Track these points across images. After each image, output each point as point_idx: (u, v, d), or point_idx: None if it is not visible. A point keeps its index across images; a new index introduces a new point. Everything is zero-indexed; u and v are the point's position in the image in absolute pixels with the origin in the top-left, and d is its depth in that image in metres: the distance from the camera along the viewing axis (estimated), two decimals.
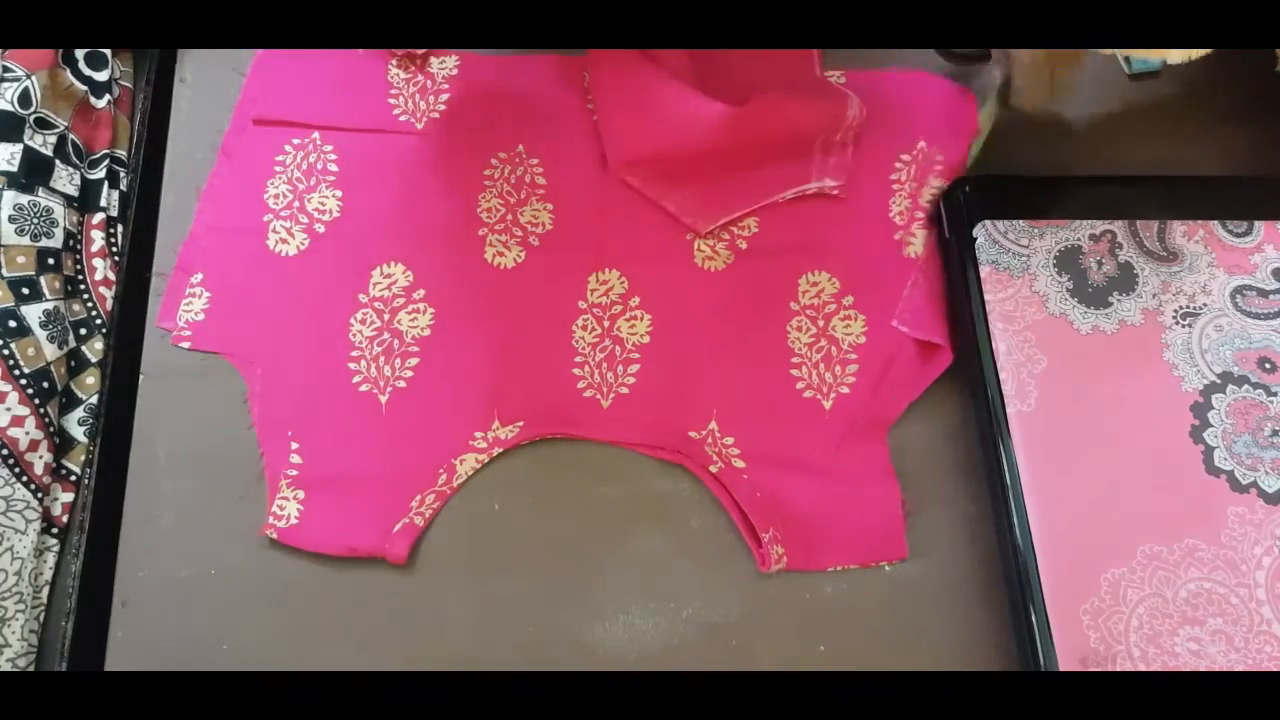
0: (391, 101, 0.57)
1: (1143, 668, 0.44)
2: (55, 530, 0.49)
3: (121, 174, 0.56)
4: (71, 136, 0.53)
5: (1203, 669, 0.44)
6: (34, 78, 0.52)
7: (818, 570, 0.48)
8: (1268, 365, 0.51)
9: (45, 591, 0.47)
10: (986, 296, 0.51)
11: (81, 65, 0.55)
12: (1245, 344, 0.51)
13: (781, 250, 0.54)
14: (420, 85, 0.58)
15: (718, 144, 0.52)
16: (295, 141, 0.56)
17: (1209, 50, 0.38)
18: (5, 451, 0.46)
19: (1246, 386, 0.50)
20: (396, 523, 0.48)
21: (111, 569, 0.48)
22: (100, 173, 0.54)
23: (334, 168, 0.55)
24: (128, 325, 0.52)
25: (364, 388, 0.51)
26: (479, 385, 0.51)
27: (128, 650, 0.46)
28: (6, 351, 0.47)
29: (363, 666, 0.46)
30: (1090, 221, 0.54)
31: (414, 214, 0.54)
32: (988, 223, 0.53)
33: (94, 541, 0.48)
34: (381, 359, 0.51)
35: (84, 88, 0.54)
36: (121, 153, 0.56)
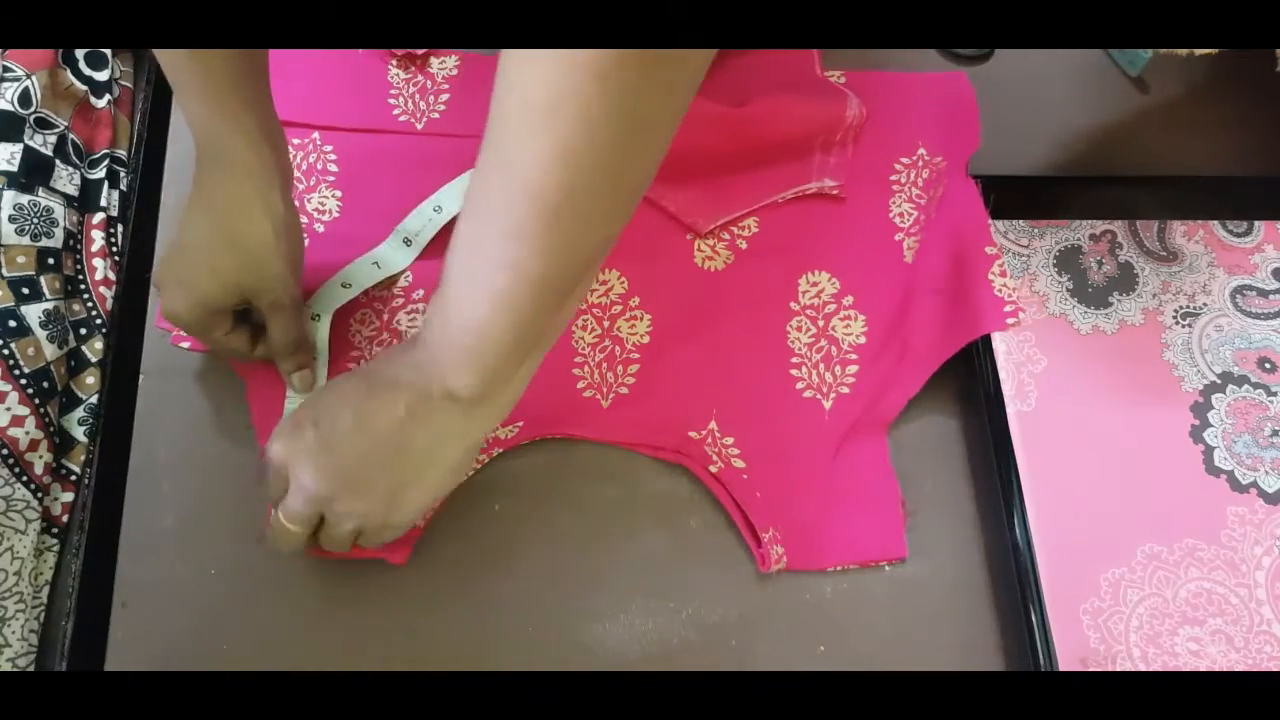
0: (391, 101, 0.57)
1: (1143, 668, 0.44)
2: (55, 530, 0.49)
3: (121, 174, 0.56)
4: (71, 136, 0.53)
5: (1203, 669, 0.44)
6: (34, 78, 0.52)
7: (818, 570, 0.48)
8: (1268, 365, 0.51)
9: (45, 591, 0.47)
10: None
11: (81, 65, 0.55)
12: (1245, 344, 0.51)
13: (781, 250, 0.54)
14: (420, 85, 0.57)
15: (718, 144, 0.52)
16: (295, 141, 0.56)
17: (1212, 50, 0.38)
18: (5, 451, 0.46)
19: (1246, 386, 0.50)
20: None
21: (111, 569, 0.48)
22: (100, 173, 0.54)
23: (334, 168, 0.55)
24: (128, 325, 0.52)
25: None
26: None
27: (128, 650, 0.46)
28: (6, 351, 0.47)
29: (363, 666, 0.46)
30: (1090, 221, 0.54)
31: None
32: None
33: (94, 541, 0.48)
34: None
35: (84, 88, 0.54)
36: (121, 153, 0.56)
